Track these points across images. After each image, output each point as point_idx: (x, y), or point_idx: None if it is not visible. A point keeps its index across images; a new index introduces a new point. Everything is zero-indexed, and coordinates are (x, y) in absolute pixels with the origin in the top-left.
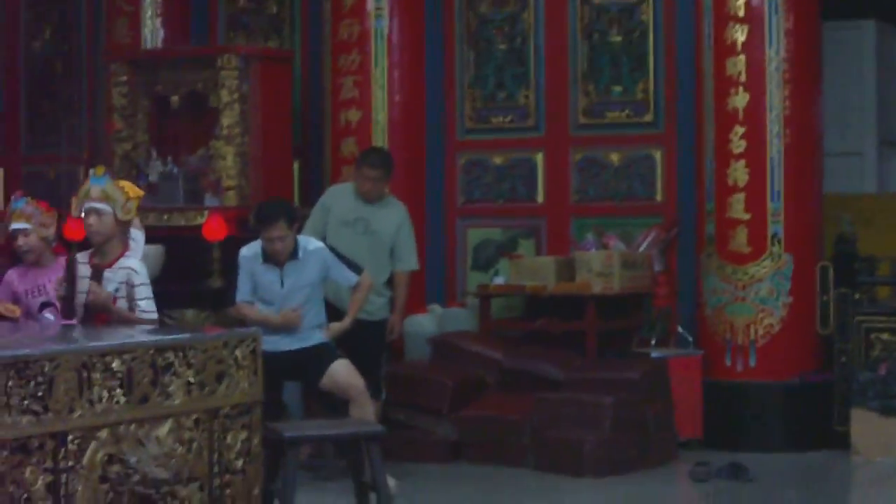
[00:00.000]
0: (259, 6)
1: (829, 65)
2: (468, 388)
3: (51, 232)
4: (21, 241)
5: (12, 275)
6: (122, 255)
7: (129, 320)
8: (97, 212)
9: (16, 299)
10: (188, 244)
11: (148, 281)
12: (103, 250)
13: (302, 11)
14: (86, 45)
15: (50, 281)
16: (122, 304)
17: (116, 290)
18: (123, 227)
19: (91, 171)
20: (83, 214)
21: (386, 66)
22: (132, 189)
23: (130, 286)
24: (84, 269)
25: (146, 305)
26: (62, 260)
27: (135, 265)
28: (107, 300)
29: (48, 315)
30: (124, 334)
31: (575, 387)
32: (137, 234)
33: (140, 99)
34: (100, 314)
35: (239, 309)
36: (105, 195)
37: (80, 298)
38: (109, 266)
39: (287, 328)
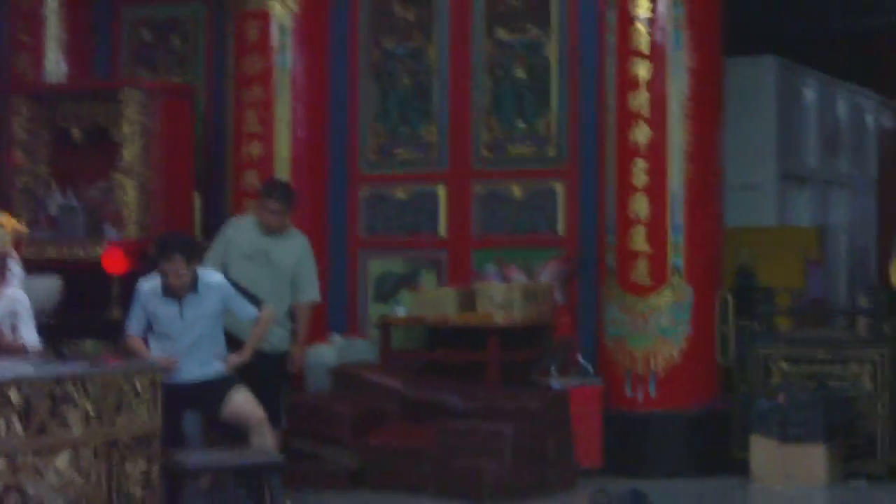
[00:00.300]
0: (163, 41)
1: (730, 99)
2: (369, 418)
3: None
4: None
5: None
6: (1, 288)
7: (15, 350)
8: None
9: None
10: (88, 276)
11: (31, 311)
12: None
13: (206, 46)
14: None
15: None
16: (7, 333)
17: (1, 319)
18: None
19: None
20: None
21: (289, 101)
22: (7, 220)
23: (15, 315)
24: None
25: (30, 335)
26: None
27: (19, 296)
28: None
29: None
30: (22, 366)
31: (476, 416)
32: (14, 266)
33: (41, 132)
34: None
35: (127, 341)
36: None
37: None
38: None
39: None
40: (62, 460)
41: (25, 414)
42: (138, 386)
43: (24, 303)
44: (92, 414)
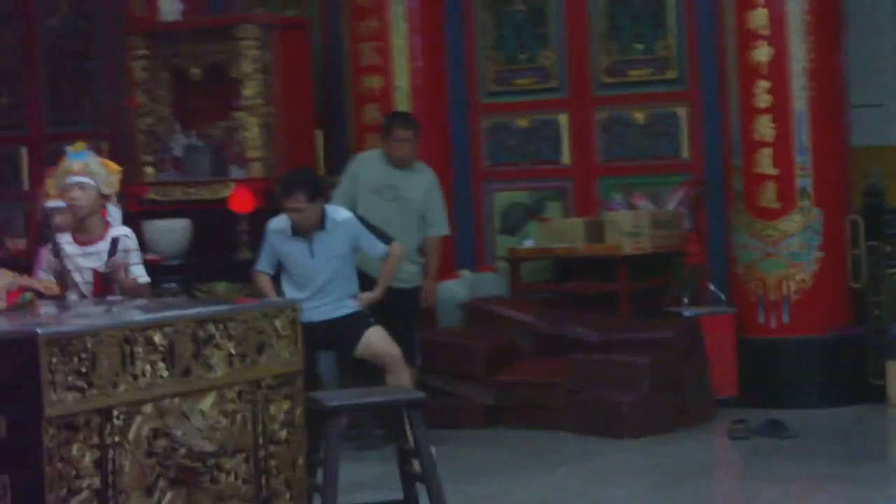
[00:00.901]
0: None
1: (852, 16)
2: (502, 353)
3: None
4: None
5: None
6: (107, 227)
7: (131, 289)
8: (81, 185)
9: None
10: (216, 217)
11: (138, 247)
12: (85, 227)
13: None
14: (103, 19)
15: None
16: (120, 272)
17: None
18: (105, 202)
19: (69, 148)
20: (65, 190)
21: (405, 32)
22: (113, 164)
23: (126, 252)
24: (69, 248)
25: (139, 271)
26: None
27: (128, 232)
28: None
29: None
30: (164, 308)
31: (610, 348)
32: (114, 210)
33: (160, 72)
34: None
35: (254, 277)
36: (87, 169)
37: (75, 277)
38: (100, 240)
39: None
40: (207, 403)
41: (170, 356)
42: (278, 325)
43: (133, 238)
44: (234, 354)
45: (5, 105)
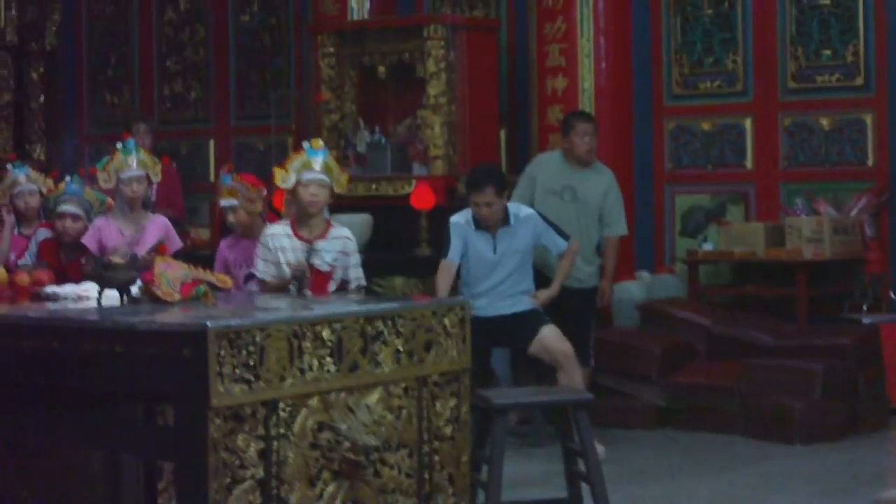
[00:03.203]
0: None
1: None
2: (676, 355)
3: (258, 206)
4: (230, 217)
5: (223, 245)
6: (329, 225)
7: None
8: (320, 183)
9: (226, 269)
10: (396, 213)
11: (357, 249)
12: (310, 223)
13: None
14: (293, 17)
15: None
16: (337, 272)
17: (335, 259)
18: (332, 200)
19: (307, 145)
20: (302, 184)
21: (592, 33)
22: (338, 165)
23: (346, 255)
24: (288, 241)
25: (359, 273)
26: None
27: (349, 234)
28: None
29: (252, 286)
30: (334, 304)
31: (784, 353)
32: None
33: (347, 70)
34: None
35: (443, 267)
36: (326, 167)
37: (286, 271)
38: (323, 237)
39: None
40: (373, 398)
41: (338, 352)
42: (447, 323)
43: (354, 241)
44: (402, 351)
45: (194, 99)
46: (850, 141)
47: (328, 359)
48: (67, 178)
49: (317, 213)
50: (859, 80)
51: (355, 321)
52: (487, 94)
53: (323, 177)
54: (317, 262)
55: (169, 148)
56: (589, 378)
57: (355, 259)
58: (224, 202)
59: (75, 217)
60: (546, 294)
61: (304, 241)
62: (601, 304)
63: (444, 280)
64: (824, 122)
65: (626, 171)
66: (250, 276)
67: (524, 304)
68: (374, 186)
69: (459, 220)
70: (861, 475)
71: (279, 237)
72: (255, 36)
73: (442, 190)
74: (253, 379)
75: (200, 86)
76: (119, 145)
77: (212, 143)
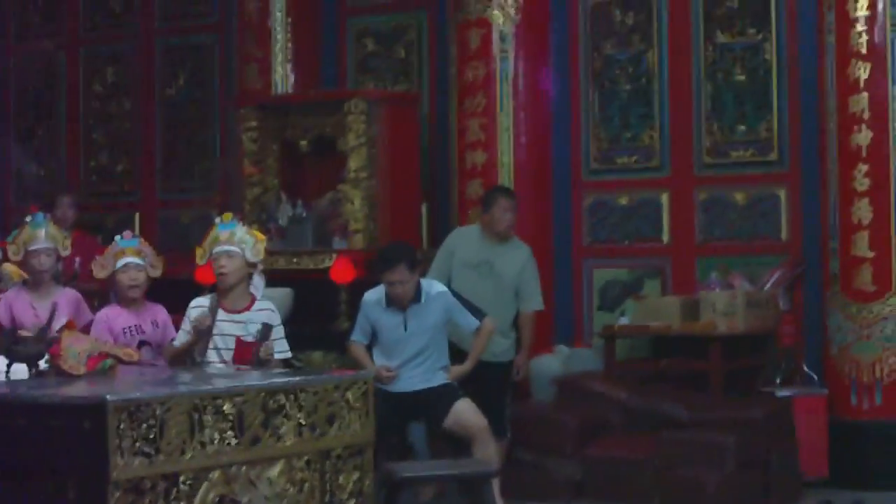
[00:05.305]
0: (387, 50)
1: None
2: (593, 428)
3: (157, 274)
4: (132, 275)
5: (106, 313)
6: (254, 298)
7: (267, 362)
8: (228, 254)
9: (113, 337)
10: (316, 287)
11: (281, 322)
12: (233, 295)
13: (430, 54)
14: (218, 90)
15: (146, 321)
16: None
17: (259, 331)
18: (251, 270)
19: (217, 219)
20: (213, 259)
21: (511, 108)
22: (259, 234)
23: (269, 327)
24: (216, 313)
25: (283, 346)
26: (154, 305)
27: (272, 307)
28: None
29: (146, 353)
30: (235, 377)
31: (699, 426)
32: (258, 280)
33: (270, 143)
34: (243, 357)
35: (350, 347)
36: (234, 239)
37: (217, 342)
38: (247, 309)
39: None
40: (275, 471)
41: (239, 425)
42: (350, 397)
43: (277, 314)
44: (304, 425)
45: (120, 171)
46: (764, 215)
47: (229, 432)
48: None
49: (232, 284)
50: (773, 156)
51: (257, 395)
52: (409, 167)
53: (230, 248)
54: (241, 333)
55: (94, 220)
56: (506, 450)
57: (279, 332)
58: (127, 260)
59: None
60: (459, 370)
61: (229, 313)
62: (517, 377)
63: (360, 358)
64: (739, 196)
65: (544, 246)
66: (143, 343)
67: (438, 378)
68: (294, 260)
69: (371, 298)
70: None
71: (204, 309)
72: (181, 109)
73: (362, 264)
74: (153, 452)
75: (127, 158)
76: (28, 218)
77: (137, 216)
